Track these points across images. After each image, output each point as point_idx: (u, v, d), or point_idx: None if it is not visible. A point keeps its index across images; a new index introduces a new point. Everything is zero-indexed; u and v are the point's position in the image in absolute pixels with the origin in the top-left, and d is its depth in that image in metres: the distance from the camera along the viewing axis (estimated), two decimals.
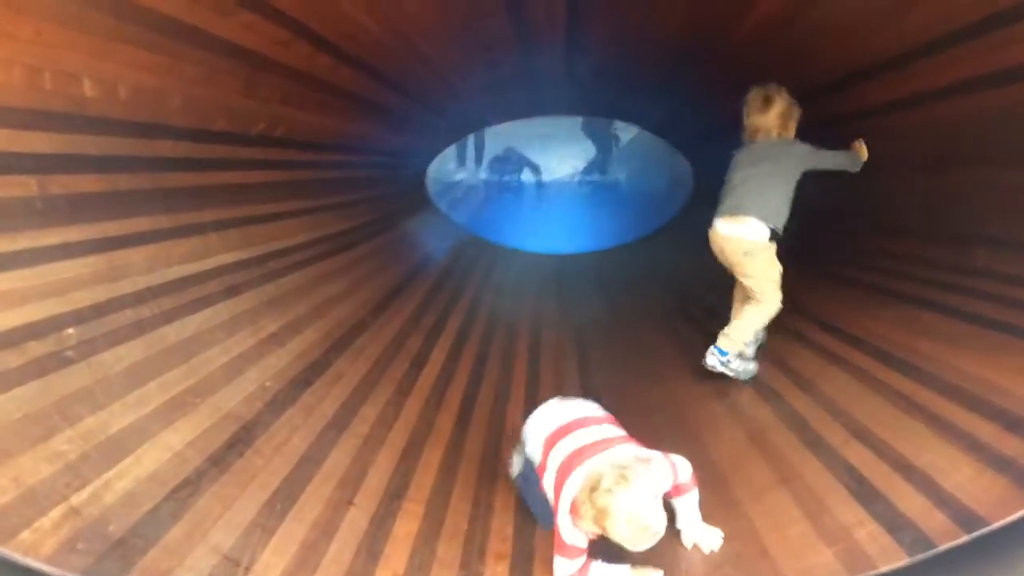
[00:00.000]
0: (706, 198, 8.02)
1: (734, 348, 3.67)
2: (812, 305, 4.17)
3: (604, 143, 9.23)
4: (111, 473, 2.11)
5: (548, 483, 2.61)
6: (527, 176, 9.23)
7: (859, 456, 2.69)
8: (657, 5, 3.80)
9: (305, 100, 3.75)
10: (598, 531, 2.34)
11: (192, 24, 2.50)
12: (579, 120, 8.60)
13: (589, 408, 2.89)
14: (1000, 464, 2.25)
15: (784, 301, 3.71)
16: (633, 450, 2.49)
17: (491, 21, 4.12)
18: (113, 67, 2.33)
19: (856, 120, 3.96)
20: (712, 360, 3.67)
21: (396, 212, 6.73)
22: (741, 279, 3.81)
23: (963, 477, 2.30)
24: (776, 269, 3.74)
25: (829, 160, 3.78)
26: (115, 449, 2.19)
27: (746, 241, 3.69)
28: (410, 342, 4.51)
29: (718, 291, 5.46)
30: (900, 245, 3.87)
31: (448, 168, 8.77)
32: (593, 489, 2.31)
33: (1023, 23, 2.48)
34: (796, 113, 3.88)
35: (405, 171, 7.37)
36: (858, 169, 3.79)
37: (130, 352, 2.47)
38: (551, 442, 2.69)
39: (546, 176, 9.11)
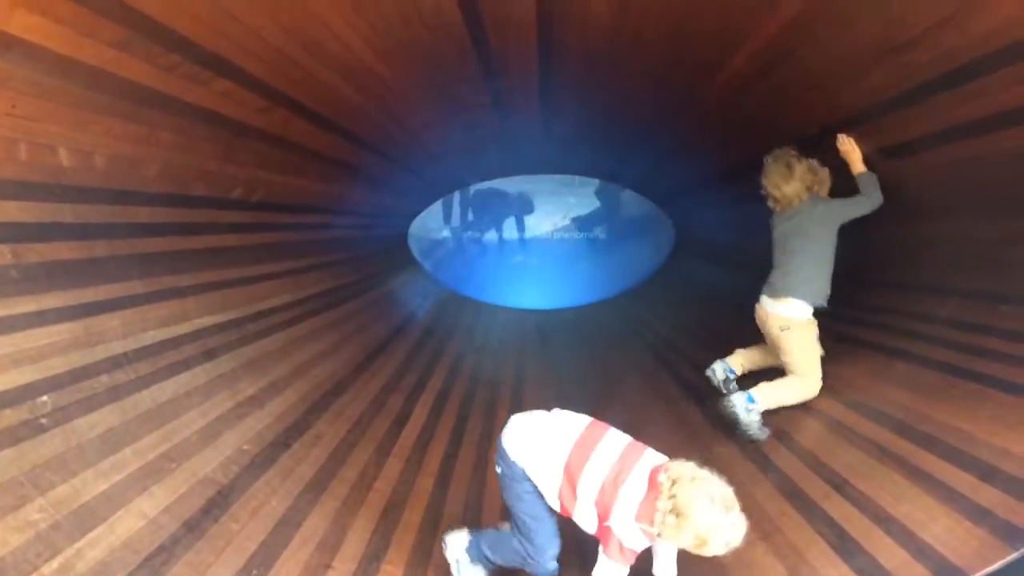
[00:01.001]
0: (687, 252, 8.16)
1: (763, 403, 3.64)
2: None
3: (608, 203, 9.36)
4: (83, 542, 2.10)
5: (585, 507, 2.53)
6: (509, 233, 9.30)
7: (839, 509, 2.70)
8: (628, 68, 3.88)
9: (283, 164, 3.79)
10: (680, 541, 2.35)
11: (169, 93, 2.55)
12: (558, 178, 8.72)
13: (575, 418, 2.76)
14: (977, 515, 2.27)
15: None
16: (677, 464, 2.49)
17: (466, 86, 4.20)
18: (89, 137, 2.37)
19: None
20: (738, 401, 3.63)
21: (377, 271, 6.76)
22: (780, 355, 3.82)
23: (941, 528, 2.31)
24: (815, 350, 3.74)
25: (857, 208, 3.70)
26: (87, 517, 2.18)
27: (783, 317, 3.74)
28: (391, 401, 4.50)
29: (701, 345, 5.50)
30: (870, 295, 3.93)
31: (430, 226, 8.83)
32: (681, 511, 2.30)
33: (978, 81, 2.57)
34: (818, 170, 3.90)
35: (385, 231, 7.41)
36: (878, 205, 3.67)
37: (105, 418, 2.46)
38: (574, 469, 2.56)
39: (528, 233, 9.19)
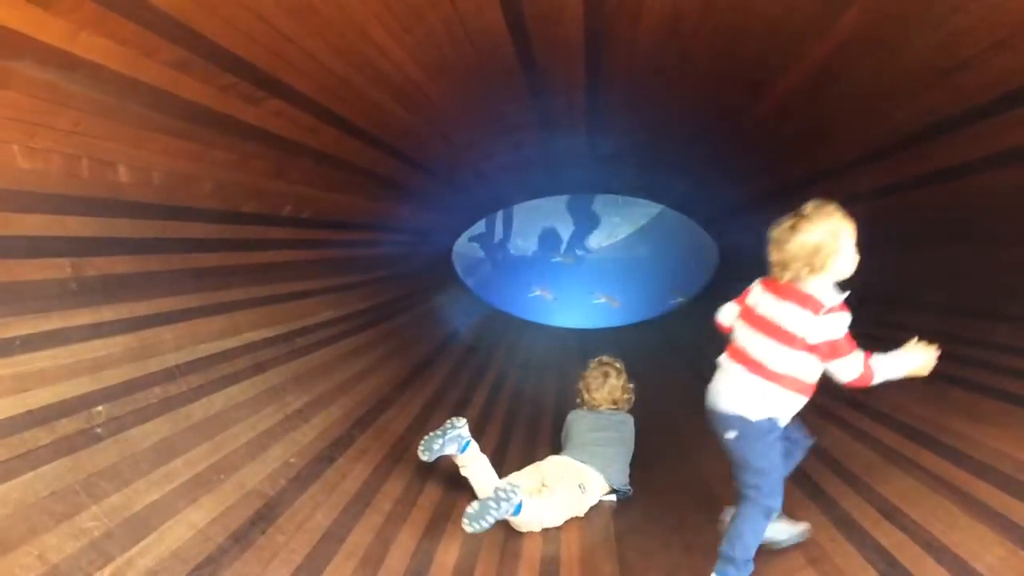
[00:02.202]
0: (731, 274, 8.08)
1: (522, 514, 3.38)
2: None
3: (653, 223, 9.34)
4: (134, 551, 2.13)
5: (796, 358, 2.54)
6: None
7: (889, 536, 2.64)
8: (675, 88, 3.88)
9: (332, 181, 3.85)
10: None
11: (223, 112, 2.61)
12: (603, 197, 8.71)
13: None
14: None
15: None
16: None
17: (514, 106, 4.24)
18: (147, 154, 2.43)
19: (876, 196, 3.98)
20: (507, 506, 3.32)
21: (422, 289, 6.80)
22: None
23: (995, 558, 2.25)
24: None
25: None
26: (139, 526, 2.21)
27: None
28: (435, 418, 4.50)
29: None
30: (922, 320, 3.83)
31: (474, 244, 8.87)
32: (820, 251, 2.45)
33: None
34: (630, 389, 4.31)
35: (431, 248, 7.47)
36: None
37: (157, 429, 2.51)
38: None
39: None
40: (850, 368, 2.50)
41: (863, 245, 3.82)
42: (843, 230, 2.48)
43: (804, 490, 3.27)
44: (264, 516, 2.69)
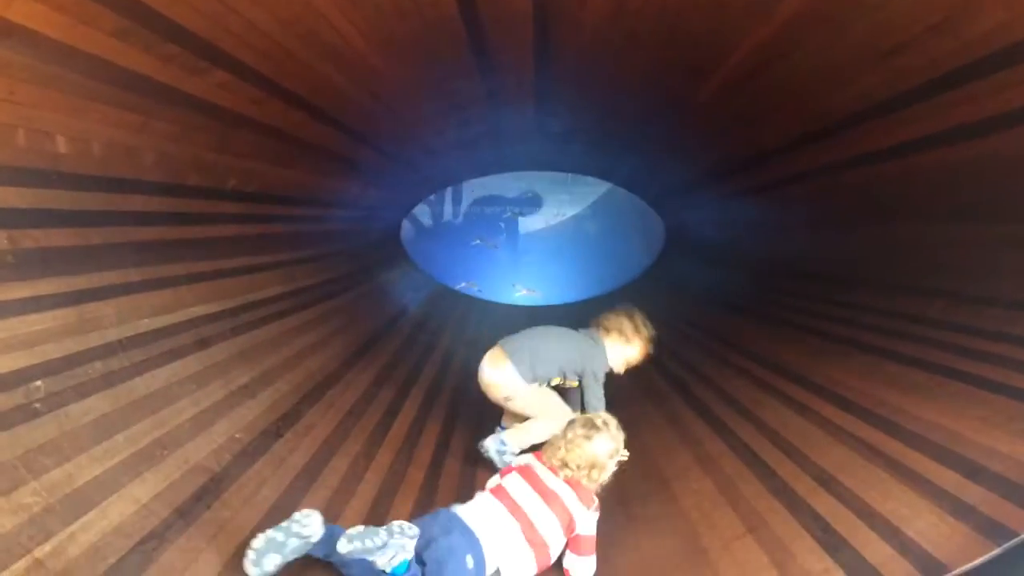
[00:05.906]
0: (677, 251, 8.18)
1: (513, 445, 3.69)
2: (776, 355, 4.22)
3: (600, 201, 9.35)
4: (76, 526, 2.11)
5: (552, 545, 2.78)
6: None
7: (825, 504, 2.73)
8: (622, 67, 3.89)
9: (278, 155, 3.80)
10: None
11: (165, 83, 2.56)
12: (550, 175, 8.71)
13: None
14: (961, 511, 2.29)
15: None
16: None
17: (463, 83, 4.21)
18: (87, 124, 2.38)
19: (814, 176, 4.07)
20: (491, 445, 3.70)
21: (370, 265, 6.76)
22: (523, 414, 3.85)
23: (925, 524, 2.34)
24: (550, 398, 3.81)
25: (594, 393, 3.89)
26: (81, 502, 2.19)
27: (505, 387, 3.77)
28: (383, 393, 4.52)
29: (691, 343, 5.52)
30: (859, 296, 3.95)
31: (424, 220, 8.82)
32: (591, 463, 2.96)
33: (968, 85, 2.60)
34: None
35: (379, 224, 7.42)
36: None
37: (98, 404, 2.47)
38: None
39: (520, 228, 9.16)
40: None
41: (807, 224, 3.92)
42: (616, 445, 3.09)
43: (743, 459, 3.36)
44: (209, 491, 2.68)
